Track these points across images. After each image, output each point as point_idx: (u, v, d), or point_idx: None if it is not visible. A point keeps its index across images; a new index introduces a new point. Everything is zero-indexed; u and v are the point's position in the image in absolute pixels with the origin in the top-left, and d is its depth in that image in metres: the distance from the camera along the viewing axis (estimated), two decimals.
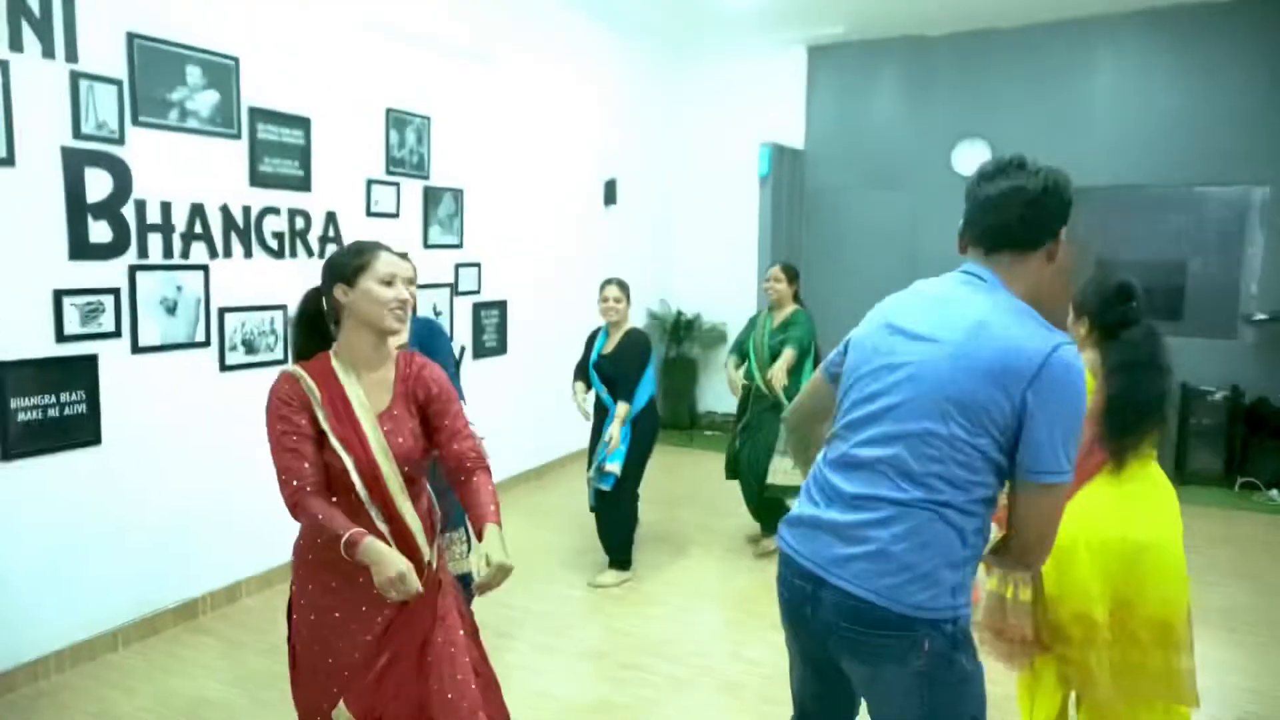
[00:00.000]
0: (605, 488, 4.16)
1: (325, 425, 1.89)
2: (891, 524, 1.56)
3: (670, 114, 7.79)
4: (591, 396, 4.33)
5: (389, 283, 1.92)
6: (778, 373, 4.39)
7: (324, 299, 2.00)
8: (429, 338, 2.90)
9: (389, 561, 1.78)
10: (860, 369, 1.71)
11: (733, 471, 4.80)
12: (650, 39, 7.33)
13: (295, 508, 1.86)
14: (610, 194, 6.89)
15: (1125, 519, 2.35)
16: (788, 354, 4.41)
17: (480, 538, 1.86)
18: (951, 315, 1.62)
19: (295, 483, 1.85)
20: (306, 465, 1.86)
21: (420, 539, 1.95)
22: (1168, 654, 2.31)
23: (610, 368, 4.23)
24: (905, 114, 7.22)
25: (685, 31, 7.22)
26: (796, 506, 1.77)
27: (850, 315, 2.01)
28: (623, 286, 4.28)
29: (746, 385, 4.70)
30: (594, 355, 4.33)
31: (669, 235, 7.87)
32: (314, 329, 2.04)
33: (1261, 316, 6.15)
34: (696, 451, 7.14)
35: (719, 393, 7.72)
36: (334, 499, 1.90)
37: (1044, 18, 6.56)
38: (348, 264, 1.93)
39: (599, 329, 4.43)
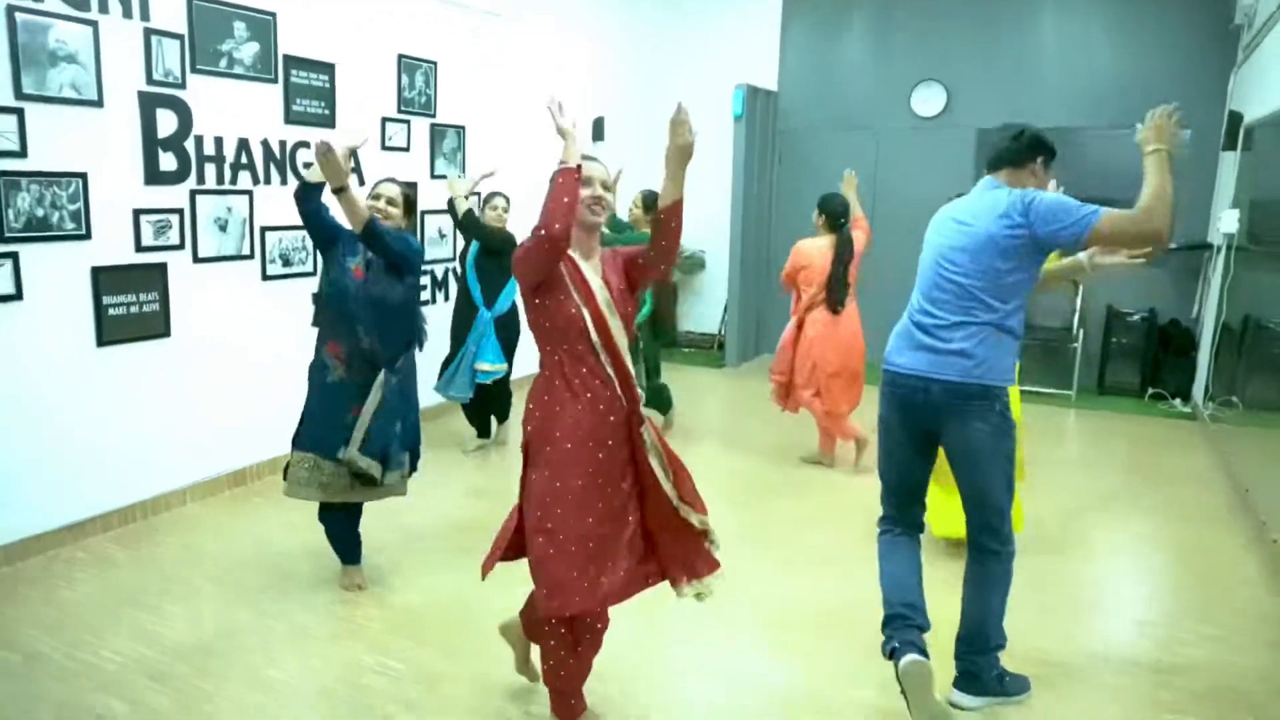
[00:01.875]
0: (488, 381, 5.00)
1: (567, 278, 2.28)
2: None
3: (654, 57, 8.40)
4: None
5: (587, 184, 2.30)
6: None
7: None
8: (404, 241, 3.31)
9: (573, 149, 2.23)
10: None
11: None
12: None
13: (541, 232, 2.16)
14: (598, 131, 7.56)
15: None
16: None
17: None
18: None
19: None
20: None
21: (635, 386, 2.39)
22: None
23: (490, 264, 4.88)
24: (870, 59, 7.85)
25: None
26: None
27: None
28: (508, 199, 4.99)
29: None
30: (474, 252, 4.95)
31: (653, 169, 8.52)
32: None
33: (1173, 245, 6.88)
34: (678, 366, 7.92)
35: (698, 314, 8.55)
36: (570, 347, 2.29)
37: None
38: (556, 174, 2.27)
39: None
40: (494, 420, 5.40)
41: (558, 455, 2.29)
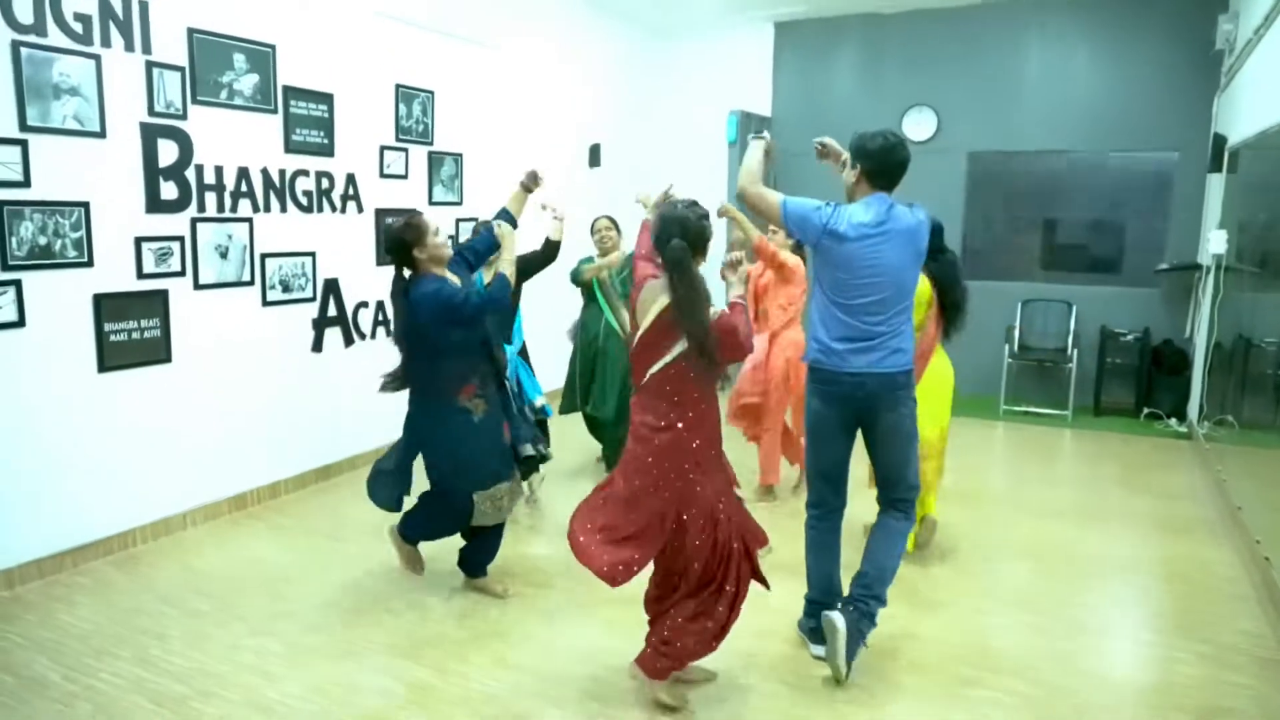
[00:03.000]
0: (547, 416, 4.72)
1: None
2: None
3: (649, 84, 8.53)
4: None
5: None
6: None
7: (690, 248, 2.61)
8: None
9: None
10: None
11: (572, 405, 5.18)
12: (630, 16, 8.04)
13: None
14: (594, 157, 7.66)
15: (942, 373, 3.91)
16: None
17: None
18: None
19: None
20: None
21: None
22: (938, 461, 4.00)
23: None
24: (861, 85, 7.96)
25: (663, 8, 7.92)
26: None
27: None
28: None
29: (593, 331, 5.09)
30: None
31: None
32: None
33: (1163, 266, 6.96)
34: None
35: None
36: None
37: None
38: (706, 227, 2.67)
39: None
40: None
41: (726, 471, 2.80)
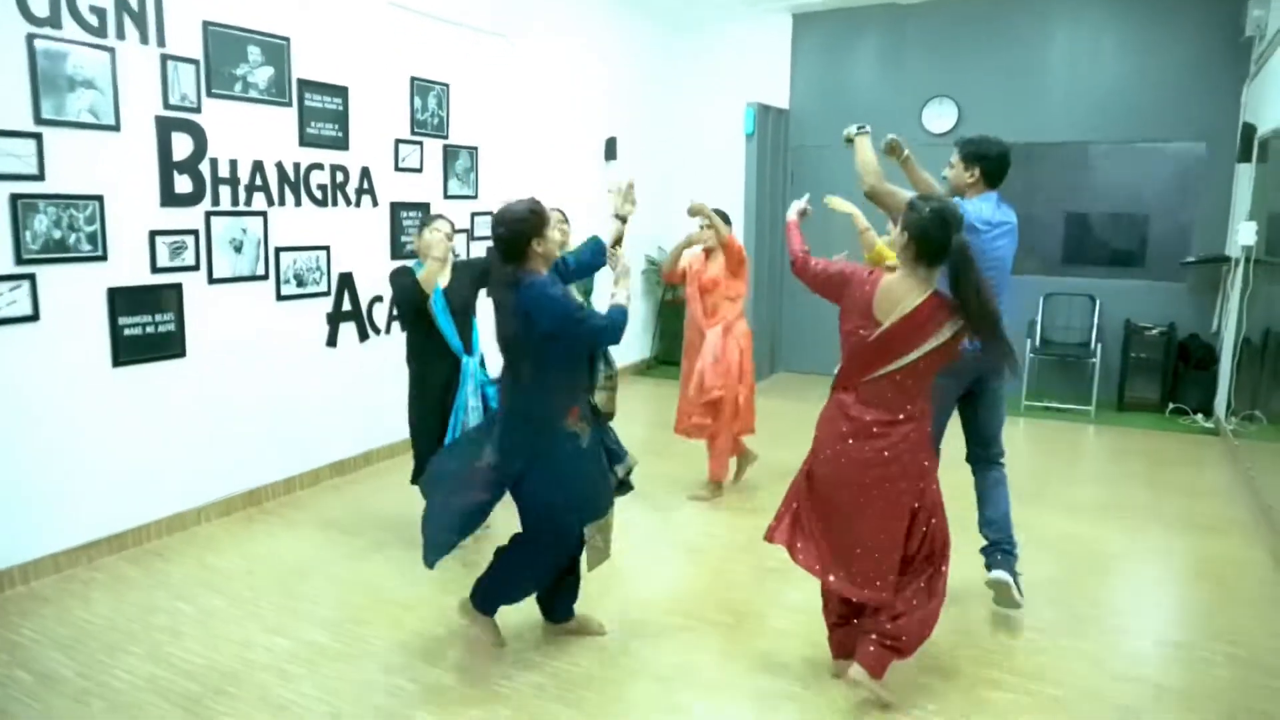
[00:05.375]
0: None
1: None
2: None
3: (666, 76, 8.45)
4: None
5: None
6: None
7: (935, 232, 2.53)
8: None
9: None
10: None
11: None
12: (647, 7, 7.96)
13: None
14: (611, 150, 7.60)
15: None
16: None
17: None
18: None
19: None
20: None
21: None
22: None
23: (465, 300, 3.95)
24: (881, 76, 7.86)
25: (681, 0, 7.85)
26: None
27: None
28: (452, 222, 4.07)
29: None
30: (438, 292, 3.86)
31: (665, 188, 8.56)
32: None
33: (1190, 259, 6.82)
34: None
35: None
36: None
37: None
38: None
39: (407, 266, 3.94)
40: None
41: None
